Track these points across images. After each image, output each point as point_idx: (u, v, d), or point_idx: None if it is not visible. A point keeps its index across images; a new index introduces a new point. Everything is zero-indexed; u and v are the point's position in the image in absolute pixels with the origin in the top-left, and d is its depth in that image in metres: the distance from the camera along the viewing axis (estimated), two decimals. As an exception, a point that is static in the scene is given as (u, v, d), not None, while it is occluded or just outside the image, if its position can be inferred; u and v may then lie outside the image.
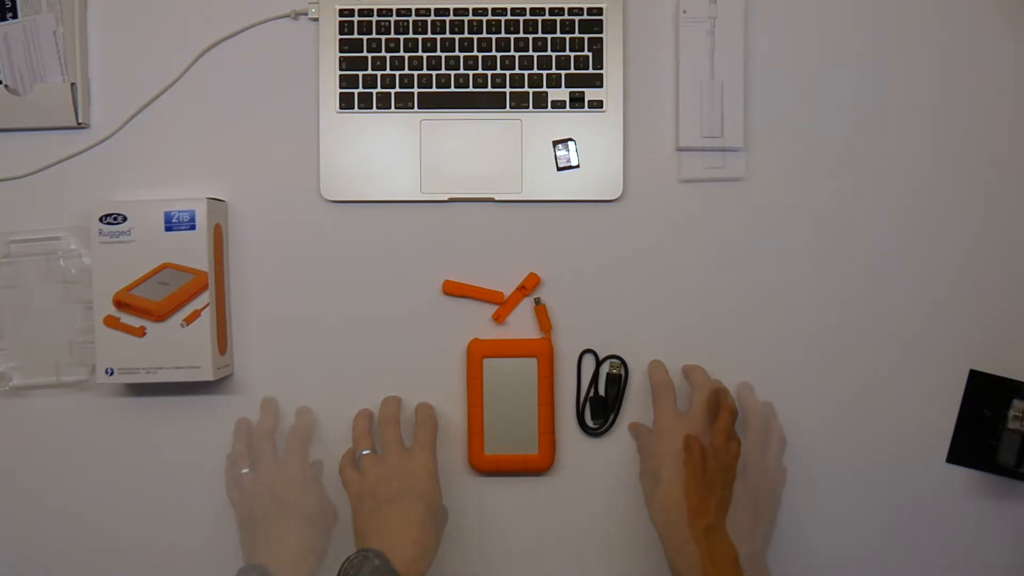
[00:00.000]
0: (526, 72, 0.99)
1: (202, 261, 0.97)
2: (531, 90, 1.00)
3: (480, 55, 1.00)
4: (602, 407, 1.01)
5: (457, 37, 1.00)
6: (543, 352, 1.00)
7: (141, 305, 0.96)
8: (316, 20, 1.00)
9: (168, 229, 0.97)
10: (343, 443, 1.00)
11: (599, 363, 1.01)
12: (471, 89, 1.00)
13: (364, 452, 0.95)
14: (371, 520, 0.91)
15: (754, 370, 1.01)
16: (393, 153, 1.00)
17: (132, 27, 1.02)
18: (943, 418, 0.99)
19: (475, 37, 1.00)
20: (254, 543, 0.93)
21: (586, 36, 0.99)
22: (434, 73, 1.00)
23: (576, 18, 0.99)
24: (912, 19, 1.00)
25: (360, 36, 1.00)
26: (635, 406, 1.01)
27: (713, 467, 0.91)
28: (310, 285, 1.02)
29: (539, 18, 0.99)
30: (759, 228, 1.01)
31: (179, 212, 0.97)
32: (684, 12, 0.98)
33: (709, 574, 0.86)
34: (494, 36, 1.00)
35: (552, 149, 1.00)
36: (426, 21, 1.00)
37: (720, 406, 0.94)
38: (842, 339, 1.01)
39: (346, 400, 1.01)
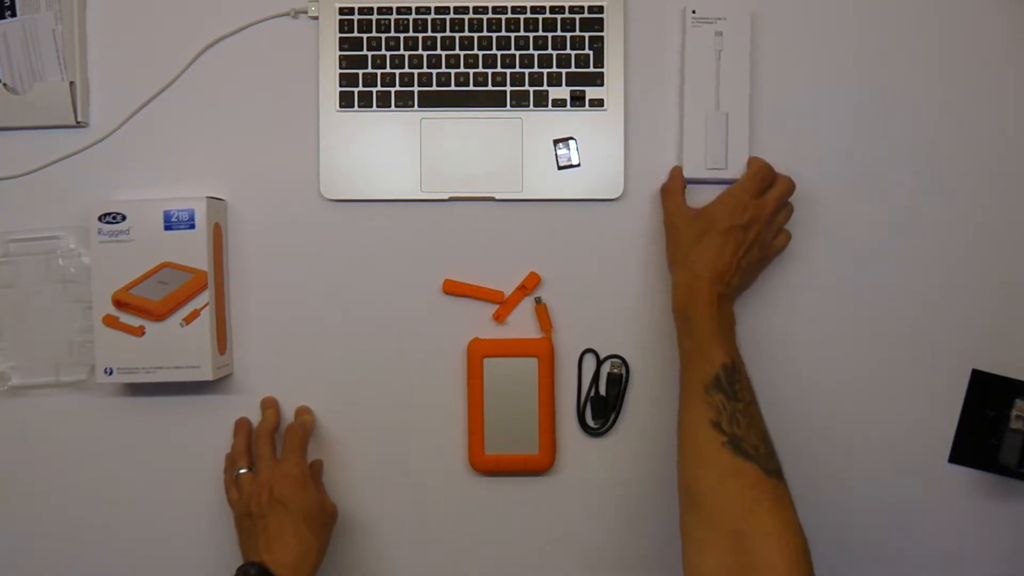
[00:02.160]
0: (527, 70, 0.99)
1: (202, 260, 0.97)
2: (532, 88, 0.99)
3: (480, 53, 0.99)
4: (603, 407, 1.01)
5: (457, 35, 0.99)
6: (544, 352, 1.00)
7: (140, 304, 0.96)
8: (316, 18, 1.00)
9: (167, 228, 0.97)
10: (343, 443, 1.00)
11: (600, 363, 1.01)
12: (471, 88, 0.99)
13: (241, 471, 0.96)
14: (250, 536, 0.93)
15: (754, 369, 0.99)
16: (393, 152, 1.00)
17: (131, 26, 1.01)
18: (945, 418, 0.99)
19: (475, 35, 0.99)
20: (252, 542, 0.93)
21: (587, 34, 0.99)
22: (434, 71, 0.99)
23: (577, 16, 0.99)
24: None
25: (360, 34, 1.00)
26: (636, 406, 1.01)
27: (754, 252, 0.94)
28: (310, 284, 1.01)
29: (540, 16, 0.99)
30: None
31: (178, 211, 0.97)
32: (693, 13, 0.98)
33: (712, 322, 0.90)
34: (494, 34, 0.99)
35: (553, 148, 1.00)
36: (426, 19, 0.99)
37: (775, 180, 0.96)
38: (843, 338, 1.01)
39: (346, 400, 1.01)
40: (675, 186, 0.98)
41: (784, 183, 0.96)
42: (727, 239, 0.93)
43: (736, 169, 0.98)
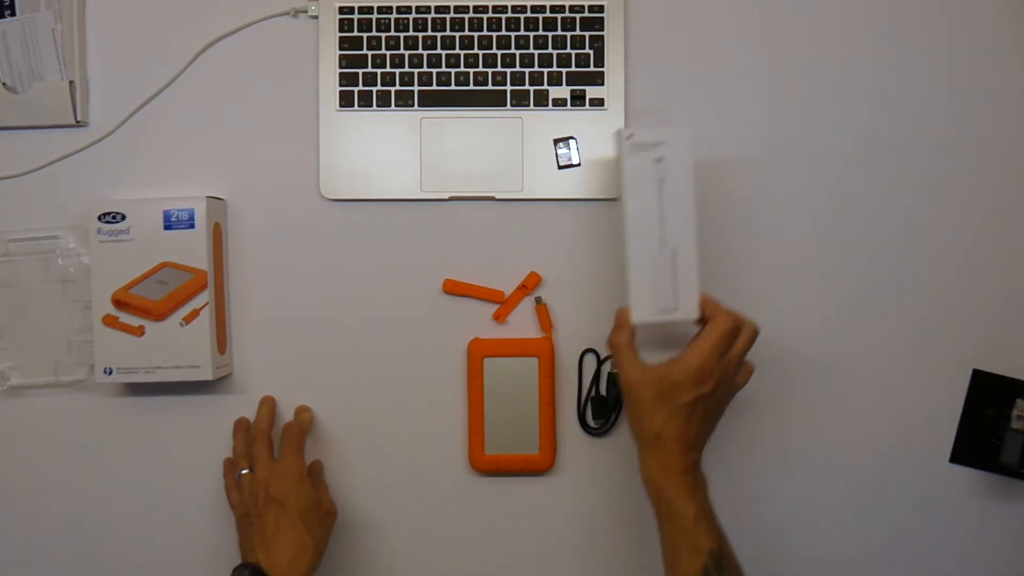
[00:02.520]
0: (527, 70, 0.99)
1: (201, 260, 0.97)
2: (532, 88, 0.99)
3: (481, 53, 0.99)
4: (603, 407, 1.01)
5: (458, 35, 0.99)
6: (544, 351, 0.99)
7: (140, 304, 0.96)
8: (316, 18, 1.00)
9: (167, 228, 0.97)
10: (343, 443, 1.00)
11: (600, 363, 1.01)
12: (472, 87, 0.99)
13: (242, 472, 0.96)
14: (247, 536, 0.93)
15: (755, 369, 1.00)
16: (393, 151, 1.00)
17: (131, 25, 1.01)
18: (946, 418, 0.98)
19: (476, 35, 0.99)
20: (249, 542, 0.93)
21: (587, 34, 0.99)
22: (434, 71, 0.99)
23: (577, 15, 0.99)
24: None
25: (360, 34, 0.99)
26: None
27: (720, 405, 0.89)
28: (310, 284, 1.01)
29: (540, 16, 0.99)
30: (760, 227, 1.01)
31: (178, 211, 0.97)
32: (630, 137, 0.87)
33: (691, 502, 0.86)
34: (495, 34, 0.99)
35: (553, 147, 1.00)
36: (426, 19, 0.99)
37: (740, 328, 0.88)
38: (844, 338, 1.01)
39: (346, 400, 1.01)
40: (623, 341, 0.89)
41: (748, 333, 0.88)
42: (694, 409, 0.86)
43: (688, 308, 0.89)
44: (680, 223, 0.89)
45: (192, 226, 0.96)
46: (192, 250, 0.97)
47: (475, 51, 0.99)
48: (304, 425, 0.99)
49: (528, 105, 0.99)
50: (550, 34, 0.99)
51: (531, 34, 0.99)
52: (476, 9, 0.99)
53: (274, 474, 0.94)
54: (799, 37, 1.00)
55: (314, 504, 0.94)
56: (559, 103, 0.99)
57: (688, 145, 0.88)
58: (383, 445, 1.01)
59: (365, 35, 0.99)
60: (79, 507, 1.02)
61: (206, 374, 0.96)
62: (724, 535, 0.87)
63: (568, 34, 0.99)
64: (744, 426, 1.01)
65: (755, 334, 0.89)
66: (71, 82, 1.00)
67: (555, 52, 0.99)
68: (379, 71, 0.99)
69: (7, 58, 1.00)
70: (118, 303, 0.96)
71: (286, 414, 1.02)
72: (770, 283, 1.01)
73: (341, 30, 0.99)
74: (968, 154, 1.00)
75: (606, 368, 1.01)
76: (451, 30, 0.99)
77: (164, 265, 0.97)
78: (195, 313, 0.96)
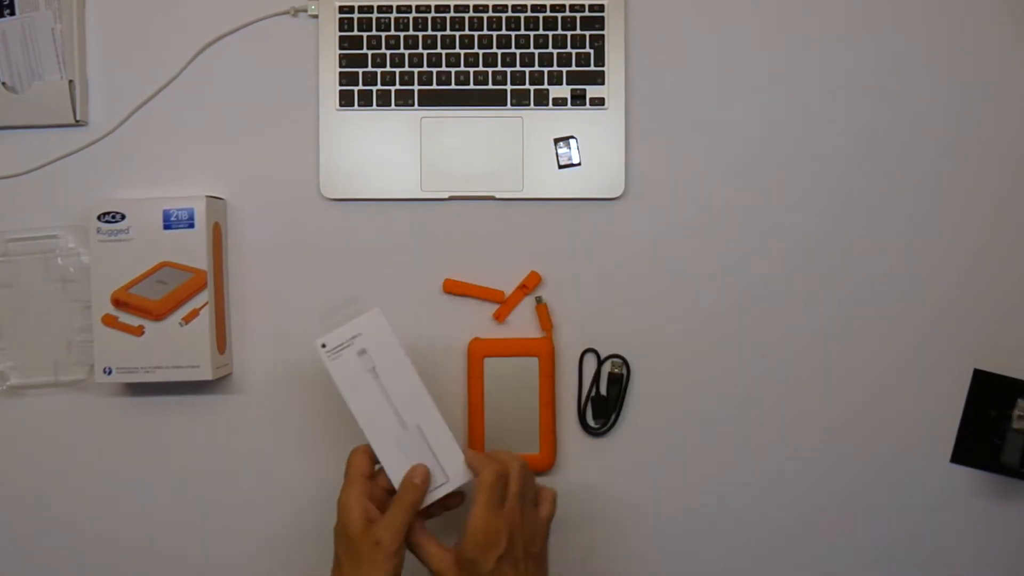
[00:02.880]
0: (527, 69, 0.99)
1: (201, 260, 0.96)
2: (532, 87, 0.99)
3: (481, 52, 0.99)
4: (604, 407, 1.01)
5: (458, 34, 0.99)
6: (544, 351, 0.99)
7: (140, 304, 0.96)
8: (316, 17, 1.00)
9: (167, 227, 0.96)
10: (343, 443, 0.99)
11: (601, 362, 1.01)
12: (472, 86, 0.99)
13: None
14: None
15: (756, 369, 1.00)
16: (393, 151, 1.00)
17: (130, 24, 1.01)
18: (947, 418, 0.98)
19: (476, 34, 0.99)
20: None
21: (588, 33, 0.99)
22: (435, 70, 0.99)
23: (578, 15, 0.99)
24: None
25: (360, 33, 0.99)
26: (637, 406, 1.01)
27: (530, 549, 0.86)
28: (310, 284, 1.01)
29: (540, 15, 0.99)
30: (762, 226, 1.00)
31: (178, 210, 0.96)
32: (323, 347, 0.86)
33: None
34: (495, 33, 0.99)
35: (553, 147, 0.99)
36: (426, 18, 0.99)
37: (507, 474, 0.86)
38: (845, 338, 1.00)
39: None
40: (415, 536, 0.86)
41: (516, 472, 0.86)
42: (503, 574, 0.83)
43: (457, 473, 0.88)
44: (411, 399, 0.88)
45: (192, 226, 0.96)
46: (192, 250, 0.96)
47: (475, 50, 0.99)
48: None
49: (528, 104, 0.99)
50: (550, 33, 0.99)
51: (531, 33, 0.99)
52: (476, 8, 0.99)
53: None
54: (800, 36, 1.00)
55: None
56: (559, 102, 0.99)
57: (384, 327, 0.88)
58: (383, 445, 1.01)
59: (365, 34, 0.99)
60: (78, 507, 1.02)
61: (206, 374, 0.96)
62: None
63: (568, 33, 0.99)
64: (744, 427, 1.00)
65: (523, 469, 0.87)
66: (71, 81, 0.99)
67: (555, 51, 0.99)
68: (379, 70, 0.99)
69: (6, 58, 0.99)
70: (118, 303, 0.96)
71: (286, 413, 1.01)
72: (770, 283, 1.00)
73: (341, 29, 0.99)
74: (969, 154, 1.00)
75: (606, 368, 1.01)
76: (451, 29, 0.99)
77: (164, 265, 0.96)
78: (195, 313, 0.96)
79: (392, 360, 0.88)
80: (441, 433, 0.88)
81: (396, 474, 0.87)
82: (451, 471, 0.88)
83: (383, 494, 0.88)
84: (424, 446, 0.88)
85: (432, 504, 0.88)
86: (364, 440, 0.88)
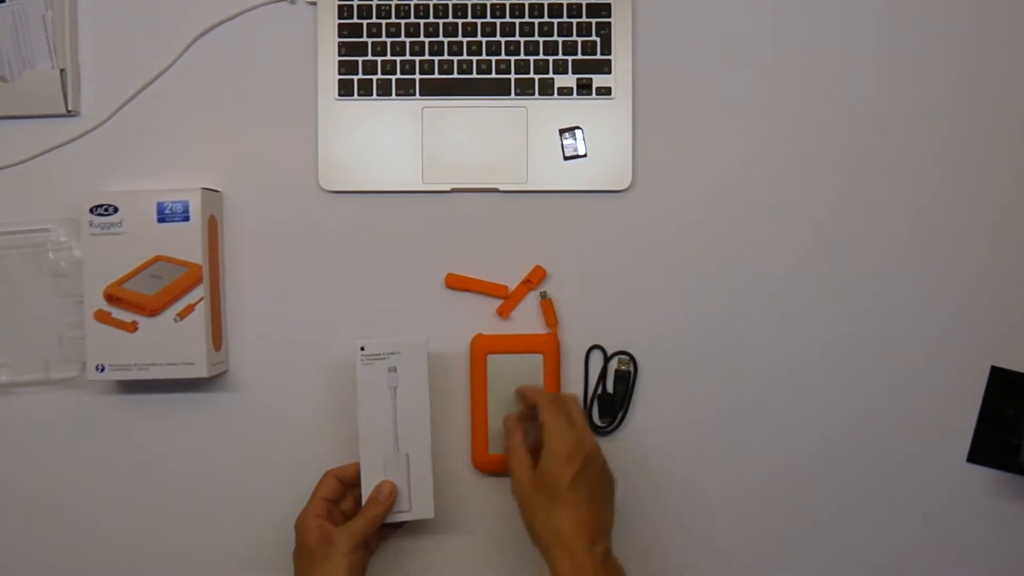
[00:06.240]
0: (532, 58, 0.98)
1: (196, 254, 0.96)
2: (537, 76, 0.98)
3: (484, 40, 0.98)
4: (610, 405, 1.00)
5: (460, 21, 0.98)
6: (549, 348, 0.98)
7: (133, 299, 0.95)
8: (314, 4, 0.99)
9: (161, 220, 0.96)
10: (342, 443, 0.98)
11: (607, 359, 1.00)
12: (475, 75, 0.98)
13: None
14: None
15: (768, 367, 1.00)
16: (394, 142, 0.99)
17: (124, 11, 1.00)
18: (964, 416, 0.98)
19: (479, 21, 0.98)
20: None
21: (594, 20, 0.98)
22: (436, 59, 0.98)
23: (584, 1, 0.98)
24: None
25: (360, 20, 0.98)
26: (644, 404, 1.00)
27: (607, 480, 0.90)
28: (308, 279, 1.00)
29: (545, 1, 0.98)
30: (774, 220, 1.00)
31: (172, 203, 0.96)
32: (362, 350, 0.92)
33: None
34: (498, 20, 0.98)
35: (558, 138, 0.99)
36: (428, 5, 0.98)
37: (564, 399, 0.92)
38: (859, 334, 1.00)
39: (345, 399, 0.99)
40: (515, 445, 0.91)
41: (572, 397, 0.93)
42: (578, 492, 0.86)
43: (422, 508, 0.94)
44: (414, 429, 0.94)
45: (187, 219, 0.96)
46: (187, 243, 0.96)
47: (478, 38, 0.98)
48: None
49: (533, 94, 0.98)
50: (555, 21, 0.98)
51: (536, 21, 0.98)
52: (479, -5, 0.98)
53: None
54: (811, 23, 0.99)
55: None
56: (565, 92, 0.98)
57: (423, 358, 0.93)
58: (383, 444, 1.00)
59: (365, 22, 0.98)
60: (71, 507, 1.01)
61: (201, 371, 0.95)
62: None
63: (574, 20, 0.98)
64: (755, 425, 1.00)
65: (575, 397, 0.94)
66: (62, 70, 0.99)
67: (560, 39, 0.98)
68: (379, 59, 0.98)
69: (-4, 46, 0.99)
70: (111, 298, 0.95)
71: (283, 411, 1.00)
72: (781, 278, 1.00)
73: (340, 17, 0.98)
74: (987, 148, 0.99)
75: (613, 365, 1.00)
76: (453, 17, 0.98)
77: (158, 259, 0.96)
78: (190, 308, 0.96)
79: (415, 390, 0.94)
80: (424, 467, 0.94)
81: (369, 487, 0.93)
82: (417, 503, 0.94)
83: (342, 519, 0.94)
84: (404, 472, 0.94)
85: (390, 526, 0.95)
86: (355, 444, 0.93)
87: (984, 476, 0.98)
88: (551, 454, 0.88)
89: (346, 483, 0.95)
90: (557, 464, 0.87)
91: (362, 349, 0.93)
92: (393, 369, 0.93)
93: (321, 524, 0.91)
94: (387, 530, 0.96)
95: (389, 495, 0.93)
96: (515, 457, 0.91)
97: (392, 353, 0.93)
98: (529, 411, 0.93)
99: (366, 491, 0.93)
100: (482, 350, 0.98)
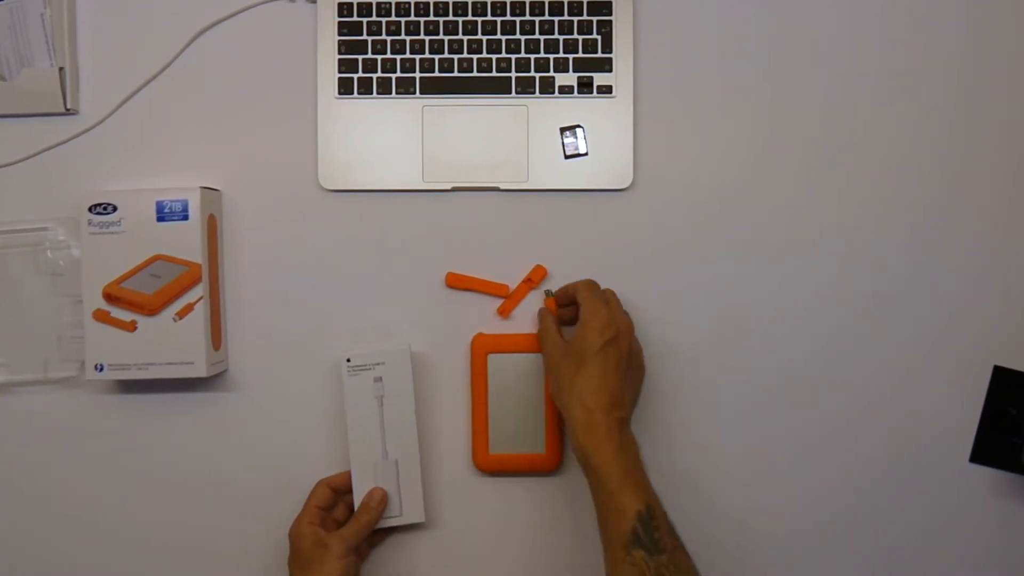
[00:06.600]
0: (532, 56, 0.98)
1: (196, 253, 0.95)
2: (537, 75, 0.98)
3: (484, 38, 0.98)
4: (611, 404, 0.99)
5: (461, 20, 0.98)
6: (550, 347, 0.98)
7: (132, 298, 0.95)
8: (314, 2, 0.99)
9: (160, 219, 0.95)
10: (342, 442, 0.98)
11: (608, 359, 0.99)
12: (475, 74, 0.98)
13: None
14: None
15: (770, 366, 1.00)
16: (394, 141, 0.98)
17: (123, 10, 1.00)
18: (966, 416, 0.97)
19: (479, 20, 0.98)
20: None
21: (595, 19, 0.98)
22: (437, 57, 0.98)
23: (584, 0, 0.97)
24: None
25: (360, 19, 0.98)
26: (645, 403, 0.99)
27: (633, 363, 0.93)
28: (308, 278, 1.00)
29: (546, 0, 0.97)
30: (776, 219, 0.99)
31: (171, 202, 0.96)
32: (348, 361, 0.96)
33: (616, 464, 0.86)
34: (499, 19, 0.98)
35: (559, 136, 0.98)
36: (429, 3, 0.98)
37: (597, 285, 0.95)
38: (862, 333, 0.99)
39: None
40: (548, 326, 0.95)
41: (613, 295, 0.96)
42: (607, 358, 0.89)
43: (412, 512, 0.97)
44: (401, 435, 0.96)
45: (186, 218, 0.95)
46: (186, 242, 0.95)
47: (479, 36, 0.98)
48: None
49: (534, 92, 0.98)
50: (556, 19, 0.98)
51: (537, 19, 0.98)
52: (480, -7, 0.98)
53: None
54: (812, 21, 0.99)
55: None
56: (566, 90, 0.98)
57: (407, 365, 0.96)
58: (384, 444, 1.00)
59: (365, 20, 0.98)
60: (69, 507, 1.01)
61: (200, 371, 0.95)
62: (655, 497, 0.87)
63: (575, 19, 0.97)
64: (759, 425, 1.00)
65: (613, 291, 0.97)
66: (61, 69, 0.98)
67: (561, 37, 0.98)
68: (379, 57, 0.98)
69: (-6, 44, 0.99)
70: (109, 297, 0.95)
71: (282, 411, 1.00)
72: (784, 277, 0.99)
73: (340, 15, 0.98)
74: (991, 146, 0.99)
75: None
76: (454, 15, 0.98)
77: (157, 258, 0.95)
78: (189, 308, 0.95)
79: (401, 398, 0.96)
80: (413, 472, 0.97)
81: (360, 494, 0.96)
82: (408, 508, 0.97)
83: (335, 526, 0.96)
84: (394, 478, 0.96)
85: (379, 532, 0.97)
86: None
87: (987, 476, 0.98)
88: (584, 325, 0.91)
89: (338, 491, 0.97)
90: (589, 334, 0.90)
91: (348, 360, 0.95)
92: (379, 379, 0.95)
93: (315, 530, 0.94)
94: (378, 536, 0.99)
95: (380, 501, 0.95)
96: (548, 336, 0.94)
97: (377, 363, 0.95)
98: (566, 311, 0.96)
99: (357, 498, 0.96)
100: (483, 349, 0.98)
